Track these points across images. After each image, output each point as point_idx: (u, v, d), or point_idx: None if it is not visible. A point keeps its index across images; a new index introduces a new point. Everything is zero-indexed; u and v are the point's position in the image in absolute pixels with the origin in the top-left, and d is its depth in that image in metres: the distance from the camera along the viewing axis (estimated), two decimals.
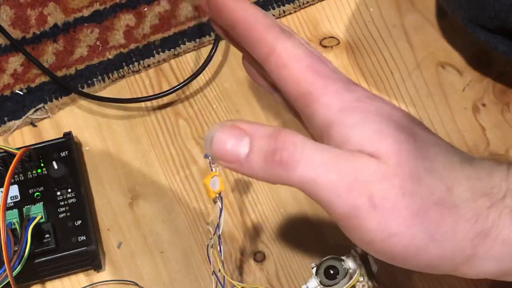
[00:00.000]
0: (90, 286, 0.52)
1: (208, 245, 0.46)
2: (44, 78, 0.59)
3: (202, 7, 0.40)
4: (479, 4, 0.51)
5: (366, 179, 0.35)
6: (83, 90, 0.59)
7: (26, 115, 0.58)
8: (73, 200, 0.52)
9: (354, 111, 0.36)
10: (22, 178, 0.53)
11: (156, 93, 0.58)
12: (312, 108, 0.37)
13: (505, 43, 0.52)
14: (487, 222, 0.35)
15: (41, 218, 0.50)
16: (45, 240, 0.50)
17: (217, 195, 0.45)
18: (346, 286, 0.47)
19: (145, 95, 0.58)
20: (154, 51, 0.60)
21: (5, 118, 0.58)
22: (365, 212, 0.35)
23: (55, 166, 0.52)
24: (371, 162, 0.35)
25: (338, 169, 0.35)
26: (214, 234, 0.46)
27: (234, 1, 0.38)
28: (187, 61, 0.60)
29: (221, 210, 0.45)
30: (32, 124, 0.58)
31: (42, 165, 0.53)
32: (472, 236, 0.35)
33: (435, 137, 0.38)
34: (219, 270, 0.46)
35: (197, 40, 0.60)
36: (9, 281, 0.47)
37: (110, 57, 0.60)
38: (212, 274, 0.46)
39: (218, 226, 0.45)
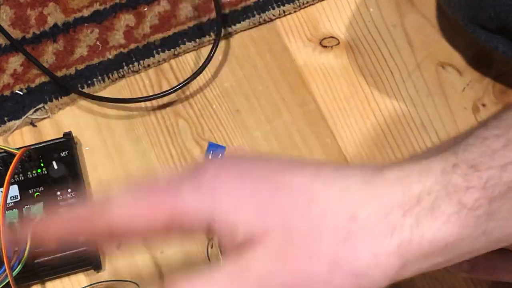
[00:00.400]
0: (90, 286, 0.52)
1: (208, 245, 0.46)
2: (44, 78, 0.59)
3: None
4: (479, 4, 0.51)
5: (268, 274, 0.34)
6: (83, 90, 0.58)
7: (26, 115, 0.58)
8: (73, 200, 0.52)
9: (223, 198, 0.36)
10: (22, 178, 0.53)
11: (156, 93, 0.58)
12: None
13: (505, 43, 0.52)
14: (405, 230, 0.34)
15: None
16: None
17: None
18: None
19: (145, 95, 0.58)
20: (154, 51, 0.60)
21: (5, 118, 0.58)
22: None
23: (55, 166, 0.52)
24: (258, 251, 0.35)
25: None
26: (214, 234, 0.46)
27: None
28: (187, 61, 0.60)
29: None
30: (32, 124, 0.58)
31: (42, 165, 0.53)
32: (394, 249, 0.34)
33: (313, 170, 0.37)
34: None
35: (197, 40, 0.60)
36: (9, 281, 0.47)
37: (110, 57, 0.60)
38: None
39: None
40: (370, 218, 0.35)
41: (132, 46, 0.60)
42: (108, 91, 0.59)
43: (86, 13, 0.61)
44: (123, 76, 0.59)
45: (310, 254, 0.35)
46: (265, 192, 0.36)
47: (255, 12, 0.61)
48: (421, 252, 0.35)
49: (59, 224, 0.39)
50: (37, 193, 0.53)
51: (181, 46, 0.60)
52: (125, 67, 0.59)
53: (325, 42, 0.60)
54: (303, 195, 0.36)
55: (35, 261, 0.50)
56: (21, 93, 0.59)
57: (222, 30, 0.60)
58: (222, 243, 0.37)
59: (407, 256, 0.35)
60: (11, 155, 0.52)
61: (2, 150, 0.53)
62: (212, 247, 0.46)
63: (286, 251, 0.35)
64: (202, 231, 0.37)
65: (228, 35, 0.61)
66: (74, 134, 0.56)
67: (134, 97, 0.58)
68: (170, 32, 0.61)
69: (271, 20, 0.61)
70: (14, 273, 0.47)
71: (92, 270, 0.52)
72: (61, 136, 0.55)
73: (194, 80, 0.58)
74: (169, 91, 0.57)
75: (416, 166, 0.35)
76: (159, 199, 0.37)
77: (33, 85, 0.59)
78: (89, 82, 0.59)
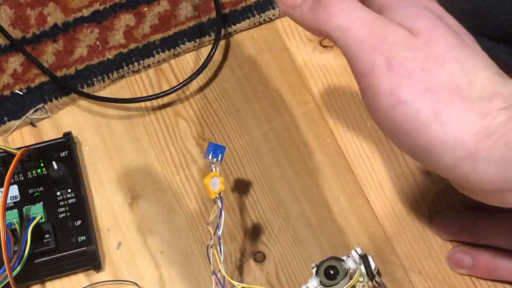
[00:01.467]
0: (90, 286, 0.52)
1: (208, 245, 0.46)
2: (44, 78, 0.59)
3: None
4: (482, 14, 0.51)
5: (392, 42, 0.37)
6: (83, 90, 0.59)
7: (26, 115, 0.58)
8: (73, 200, 0.52)
9: (406, 1, 0.39)
10: (22, 178, 0.53)
11: (156, 93, 0.58)
12: None
13: (507, 52, 0.52)
14: (494, 121, 0.36)
15: (41, 218, 0.50)
16: (45, 240, 0.50)
17: (217, 195, 0.45)
18: (346, 286, 0.47)
19: (145, 95, 0.58)
20: (154, 51, 0.60)
21: (5, 118, 0.58)
22: (380, 71, 0.37)
23: (55, 166, 0.52)
24: (403, 31, 0.38)
25: (372, 26, 0.38)
26: (214, 234, 0.46)
27: None
28: (187, 61, 0.60)
29: (221, 210, 0.45)
30: (32, 124, 0.58)
31: (42, 165, 0.53)
32: (477, 131, 0.36)
33: (478, 47, 0.39)
34: (219, 270, 0.46)
35: (197, 40, 0.60)
36: (9, 281, 0.47)
37: (110, 57, 0.60)
38: (212, 274, 0.46)
39: (218, 226, 0.46)
40: (479, 94, 0.36)
41: (132, 46, 0.60)
42: (108, 91, 0.59)
43: (86, 13, 0.61)
44: (123, 76, 0.59)
45: (424, 67, 0.37)
46: (431, 15, 0.39)
47: (255, 12, 0.61)
48: (495, 153, 0.36)
49: None
50: (37, 193, 0.53)
51: (181, 46, 0.60)
52: (125, 67, 0.59)
53: (325, 42, 0.60)
54: (456, 36, 0.38)
55: (35, 261, 0.50)
56: (21, 93, 0.59)
57: (222, 30, 0.60)
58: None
59: (479, 146, 0.36)
60: (11, 155, 0.52)
61: (2, 150, 0.53)
62: (212, 247, 0.46)
63: (415, 49, 0.37)
64: None
65: (228, 35, 0.61)
66: (74, 134, 0.56)
67: (134, 97, 0.58)
68: (170, 32, 0.61)
69: (271, 20, 0.61)
70: (14, 273, 0.47)
71: (92, 270, 0.52)
72: (61, 136, 0.55)
73: (194, 80, 0.58)
74: (169, 91, 0.57)
75: None
76: None
77: (33, 85, 0.59)
78: (89, 82, 0.59)
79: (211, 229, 0.46)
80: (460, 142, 0.36)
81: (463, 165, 0.37)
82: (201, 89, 0.59)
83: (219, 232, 0.45)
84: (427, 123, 0.36)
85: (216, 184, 0.45)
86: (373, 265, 0.48)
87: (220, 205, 0.45)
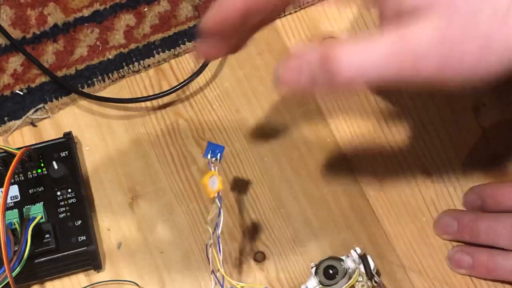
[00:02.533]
0: (90, 286, 0.52)
1: (207, 244, 0.46)
2: (44, 78, 0.59)
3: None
4: None
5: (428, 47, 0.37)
6: (83, 90, 0.59)
7: (26, 115, 0.58)
8: (73, 200, 0.52)
9: None
10: (22, 178, 0.53)
11: (156, 93, 0.58)
12: None
13: None
14: None
15: (41, 218, 0.50)
16: (45, 240, 0.50)
17: (216, 195, 0.45)
18: (345, 286, 0.47)
19: (145, 95, 0.58)
20: (154, 51, 0.60)
21: (5, 118, 0.58)
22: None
23: (55, 166, 0.52)
24: (427, 27, 0.37)
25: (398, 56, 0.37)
26: (213, 234, 0.46)
27: None
28: (187, 61, 0.60)
29: (220, 209, 0.45)
30: (32, 124, 0.58)
31: (42, 165, 0.53)
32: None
33: None
34: (218, 270, 0.46)
35: (197, 40, 0.60)
36: (8, 281, 0.47)
37: (110, 57, 0.60)
38: (211, 274, 0.46)
39: (217, 225, 0.46)
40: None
41: (132, 46, 0.60)
42: (108, 91, 0.59)
43: (86, 13, 0.61)
44: (123, 76, 0.59)
45: (466, 31, 0.36)
46: None
47: None
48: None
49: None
50: (37, 193, 0.53)
51: (181, 46, 0.60)
52: (125, 67, 0.59)
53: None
54: None
55: (35, 261, 0.50)
56: (21, 93, 0.59)
57: None
58: (385, 11, 0.40)
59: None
60: (11, 155, 0.52)
61: (2, 150, 0.53)
62: (211, 246, 0.46)
63: (446, 27, 0.36)
64: None
65: None
66: (74, 134, 0.56)
67: (134, 97, 0.58)
68: (170, 32, 0.61)
69: None
70: (14, 273, 0.47)
71: (92, 270, 0.52)
72: (61, 136, 0.55)
73: (194, 80, 0.58)
74: (169, 91, 0.57)
75: None
76: None
77: (33, 85, 0.59)
78: (89, 82, 0.59)
79: (210, 229, 0.46)
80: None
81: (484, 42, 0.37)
82: (201, 89, 0.59)
83: (219, 231, 0.45)
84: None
85: (215, 183, 0.45)
86: (372, 265, 0.48)
87: (219, 205, 0.45)
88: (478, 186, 0.52)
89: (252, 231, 0.53)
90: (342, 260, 0.47)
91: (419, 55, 0.37)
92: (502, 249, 0.49)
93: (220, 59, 0.60)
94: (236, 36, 0.43)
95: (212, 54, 0.45)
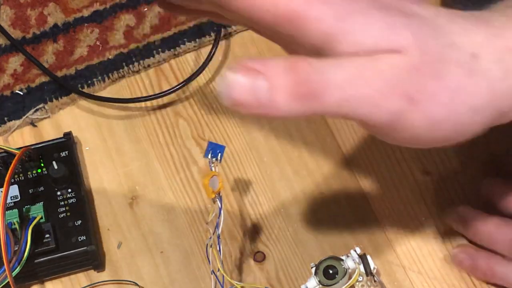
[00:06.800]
0: (90, 286, 0.52)
1: (207, 244, 0.46)
2: (44, 78, 0.59)
3: None
4: (483, 5, 0.51)
5: (397, 78, 0.34)
6: (83, 90, 0.59)
7: (26, 115, 0.58)
8: (73, 200, 0.52)
9: (352, 15, 0.34)
10: (22, 178, 0.53)
11: (156, 93, 0.58)
12: (300, 28, 0.34)
13: None
14: None
15: (41, 218, 0.50)
16: (45, 240, 0.50)
17: (216, 195, 0.45)
18: (345, 286, 0.47)
19: (145, 95, 0.58)
20: (154, 51, 0.60)
21: (5, 118, 0.58)
22: (407, 112, 0.34)
23: (55, 166, 0.52)
24: (394, 59, 0.34)
25: (366, 80, 0.33)
26: (213, 234, 0.46)
27: None
28: (187, 61, 0.60)
29: (220, 209, 0.45)
30: (32, 124, 0.58)
31: (42, 165, 0.53)
32: (508, 91, 0.36)
33: (433, 8, 0.36)
34: (218, 270, 0.46)
35: (197, 40, 0.60)
36: (8, 281, 0.47)
37: (110, 57, 0.60)
38: (211, 274, 0.46)
39: (217, 225, 0.46)
40: (489, 59, 0.35)
41: (132, 46, 0.60)
42: (108, 91, 0.59)
43: (86, 13, 0.61)
44: (123, 76, 0.59)
45: (438, 76, 0.34)
46: (397, 13, 0.35)
47: None
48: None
49: None
50: (37, 193, 0.53)
51: (181, 46, 0.60)
52: (125, 67, 0.59)
53: None
54: (431, 25, 0.35)
55: (35, 261, 0.50)
56: (21, 93, 0.59)
57: (222, 30, 0.60)
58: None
59: None
60: (11, 155, 0.52)
61: (2, 150, 0.53)
62: (211, 246, 0.46)
63: (418, 67, 0.34)
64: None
65: (228, 35, 0.61)
66: (74, 134, 0.56)
67: (134, 97, 0.58)
68: (170, 32, 0.61)
69: None
70: (14, 273, 0.47)
71: (92, 270, 0.52)
72: (61, 136, 0.55)
73: (194, 80, 0.58)
74: (169, 91, 0.57)
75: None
76: None
77: (33, 85, 0.59)
78: (89, 82, 0.59)
79: (210, 229, 0.46)
80: (498, 109, 0.37)
81: (501, 119, 0.38)
82: (201, 89, 0.59)
83: (219, 231, 0.45)
84: (469, 118, 0.36)
85: (215, 183, 0.45)
86: (372, 265, 0.48)
87: (220, 205, 0.45)
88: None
89: (252, 231, 0.53)
90: (342, 260, 0.47)
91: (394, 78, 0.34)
92: (502, 255, 0.49)
93: (220, 59, 0.60)
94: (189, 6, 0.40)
95: (169, 7, 0.41)
